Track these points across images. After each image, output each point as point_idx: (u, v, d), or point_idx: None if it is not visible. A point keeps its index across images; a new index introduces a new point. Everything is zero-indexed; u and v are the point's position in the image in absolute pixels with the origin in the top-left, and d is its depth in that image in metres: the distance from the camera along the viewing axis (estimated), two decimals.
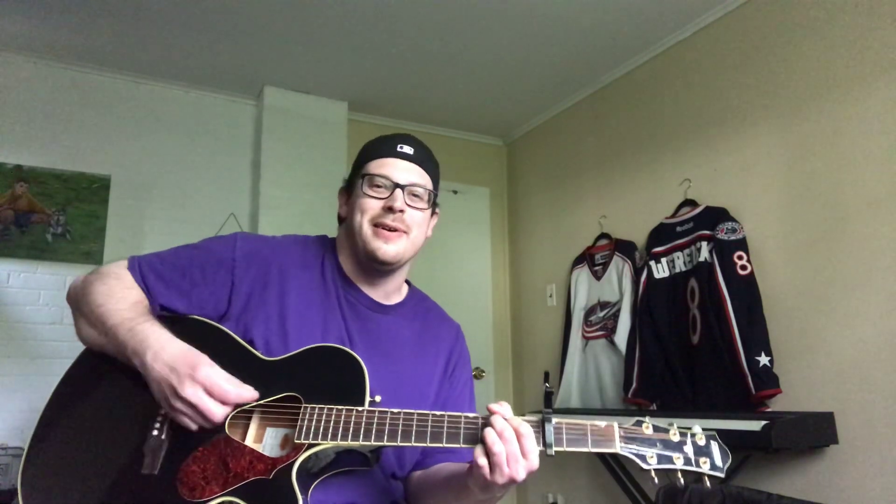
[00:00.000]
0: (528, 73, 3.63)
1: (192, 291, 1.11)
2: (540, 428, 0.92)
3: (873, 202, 2.31)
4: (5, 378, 3.07)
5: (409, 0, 2.93)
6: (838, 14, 2.49)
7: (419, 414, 0.96)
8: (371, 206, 1.15)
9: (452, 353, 1.27)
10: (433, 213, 1.24)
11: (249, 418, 1.03)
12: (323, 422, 0.96)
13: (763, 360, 2.49)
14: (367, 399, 0.99)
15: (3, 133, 3.25)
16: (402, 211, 1.14)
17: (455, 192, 4.30)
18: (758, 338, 2.53)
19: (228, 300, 1.12)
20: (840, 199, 2.41)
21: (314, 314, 1.14)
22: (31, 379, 3.09)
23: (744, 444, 2.15)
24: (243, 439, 1.00)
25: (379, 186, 1.15)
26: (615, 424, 0.95)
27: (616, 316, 3.25)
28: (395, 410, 0.96)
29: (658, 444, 0.94)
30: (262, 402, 1.01)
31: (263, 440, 1.01)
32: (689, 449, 0.95)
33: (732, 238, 2.68)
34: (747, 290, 2.60)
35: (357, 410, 0.97)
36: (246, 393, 0.98)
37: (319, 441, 0.95)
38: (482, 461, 0.90)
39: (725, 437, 0.99)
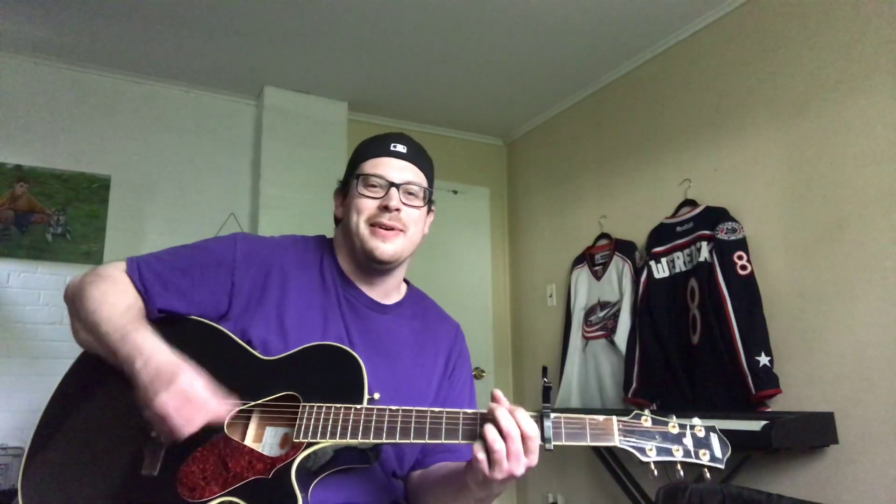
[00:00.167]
0: (528, 73, 3.63)
1: (192, 292, 1.11)
2: (538, 422, 0.92)
3: (873, 202, 2.31)
4: (5, 378, 3.07)
5: (410, 0, 2.94)
6: (838, 14, 2.49)
7: (417, 411, 0.95)
8: (367, 205, 1.16)
9: (452, 352, 1.27)
10: (429, 210, 1.24)
11: (248, 418, 1.02)
12: (321, 420, 0.96)
13: (763, 360, 2.49)
14: (366, 397, 0.99)
15: (3, 133, 3.25)
16: (398, 209, 1.15)
17: (455, 192, 4.30)
18: (758, 338, 2.53)
19: (229, 301, 1.12)
20: (840, 199, 2.41)
21: (314, 314, 1.14)
22: (31, 379, 3.09)
23: (744, 444, 2.15)
24: (242, 439, 1.00)
25: (374, 186, 1.16)
26: (614, 418, 0.94)
27: (616, 316, 3.25)
28: (394, 408, 0.96)
29: (657, 436, 0.94)
30: (260, 401, 1.00)
31: (262, 440, 1.01)
32: (688, 441, 0.94)
33: (732, 238, 2.68)
34: (747, 290, 2.60)
35: (355, 408, 0.96)
36: (220, 411, 0.97)
37: (318, 439, 0.95)
38: (481, 456, 0.90)
39: (725, 437, 0.98)
